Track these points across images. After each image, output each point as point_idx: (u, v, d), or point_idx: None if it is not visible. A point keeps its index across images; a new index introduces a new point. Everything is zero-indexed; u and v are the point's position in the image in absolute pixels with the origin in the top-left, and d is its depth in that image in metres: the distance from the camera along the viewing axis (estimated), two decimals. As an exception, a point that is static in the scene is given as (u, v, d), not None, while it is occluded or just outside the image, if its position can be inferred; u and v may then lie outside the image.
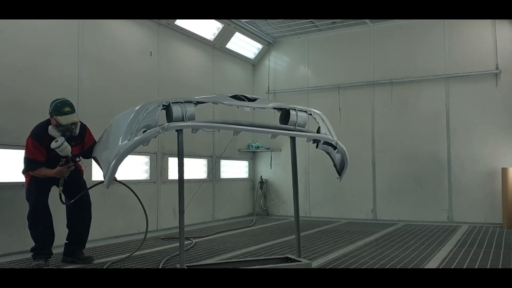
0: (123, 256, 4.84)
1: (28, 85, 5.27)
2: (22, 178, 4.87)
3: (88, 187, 4.68)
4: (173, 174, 7.24)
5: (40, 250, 4.36)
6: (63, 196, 4.37)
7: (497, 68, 7.61)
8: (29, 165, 4.36)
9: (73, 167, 4.39)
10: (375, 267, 4.31)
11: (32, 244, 4.38)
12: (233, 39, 8.71)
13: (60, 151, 4.23)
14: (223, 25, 8.26)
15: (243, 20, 8.37)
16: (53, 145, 4.21)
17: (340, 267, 4.35)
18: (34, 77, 5.33)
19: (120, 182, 4.51)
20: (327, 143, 4.39)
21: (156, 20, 7.08)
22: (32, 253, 4.39)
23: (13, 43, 5.16)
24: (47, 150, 4.32)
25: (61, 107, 4.32)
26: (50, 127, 4.34)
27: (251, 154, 9.64)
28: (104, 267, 4.30)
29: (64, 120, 4.30)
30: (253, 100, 4.08)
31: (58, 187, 4.39)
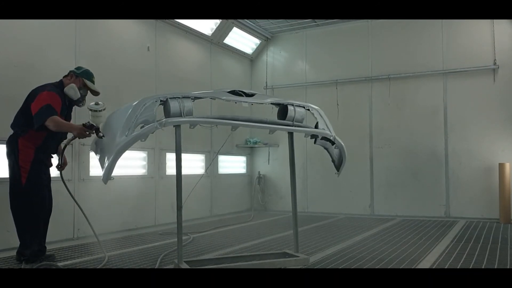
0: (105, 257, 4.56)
1: (25, 80, 5.23)
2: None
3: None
4: (170, 169, 7.24)
5: (38, 250, 4.20)
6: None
7: (494, 63, 7.61)
8: (50, 111, 4.02)
9: (88, 136, 4.21)
10: (372, 262, 4.32)
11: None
12: (231, 34, 8.69)
13: (95, 115, 4.14)
14: (221, 20, 8.23)
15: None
16: (93, 106, 4.15)
17: (338, 262, 4.37)
18: (31, 72, 5.30)
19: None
20: (325, 138, 4.39)
21: (154, 15, 7.05)
22: (26, 257, 4.12)
23: (10, 38, 5.13)
24: (60, 110, 4.17)
25: (92, 75, 4.46)
26: (70, 85, 4.30)
27: (249, 150, 9.64)
28: (99, 267, 4.20)
29: (92, 86, 4.41)
30: (251, 95, 4.09)
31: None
